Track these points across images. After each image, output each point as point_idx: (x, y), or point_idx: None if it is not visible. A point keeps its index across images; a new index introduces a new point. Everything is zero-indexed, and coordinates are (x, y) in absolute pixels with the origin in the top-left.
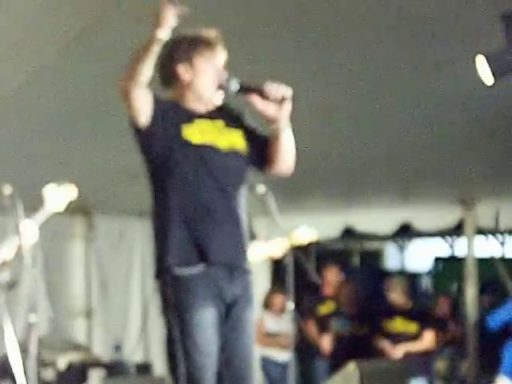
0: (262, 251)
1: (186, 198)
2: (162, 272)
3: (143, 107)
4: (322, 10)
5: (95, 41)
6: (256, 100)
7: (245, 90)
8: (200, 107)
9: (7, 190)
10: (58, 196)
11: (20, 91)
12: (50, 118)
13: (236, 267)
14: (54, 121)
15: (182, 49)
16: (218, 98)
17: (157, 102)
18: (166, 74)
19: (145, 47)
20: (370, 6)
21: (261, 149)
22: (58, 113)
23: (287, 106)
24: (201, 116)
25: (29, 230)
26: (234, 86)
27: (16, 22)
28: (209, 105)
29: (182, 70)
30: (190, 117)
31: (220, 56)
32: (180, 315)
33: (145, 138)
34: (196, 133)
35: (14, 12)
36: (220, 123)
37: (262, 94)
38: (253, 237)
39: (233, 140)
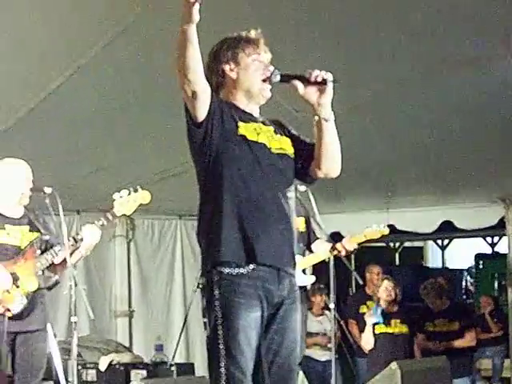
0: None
1: (239, 196)
2: (210, 271)
3: (201, 98)
4: (345, 10)
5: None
6: (298, 85)
7: (287, 77)
8: (251, 105)
9: (47, 189)
10: (128, 200)
11: (57, 94)
12: (89, 119)
13: (284, 269)
14: (93, 122)
15: (225, 49)
16: (266, 92)
17: (215, 96)
18: (215, 77)
19: (180, 35)
20: (394, 7)
21: (307, 154)
22: (96, 114)
23: (329, 92)
24: (253, 120)
25: (91, 233)
26: (276, 77)
27: (52, 22)
28: (260, 100)
29: (228, 69)
30: (245, 117)
31: (263, 52)
32: (225, 315)
33: (202, 131)
34: (250, 130)
35: (52, 12)
36: (270, 128)
37: (304, 80)
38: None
39: (283, 144)
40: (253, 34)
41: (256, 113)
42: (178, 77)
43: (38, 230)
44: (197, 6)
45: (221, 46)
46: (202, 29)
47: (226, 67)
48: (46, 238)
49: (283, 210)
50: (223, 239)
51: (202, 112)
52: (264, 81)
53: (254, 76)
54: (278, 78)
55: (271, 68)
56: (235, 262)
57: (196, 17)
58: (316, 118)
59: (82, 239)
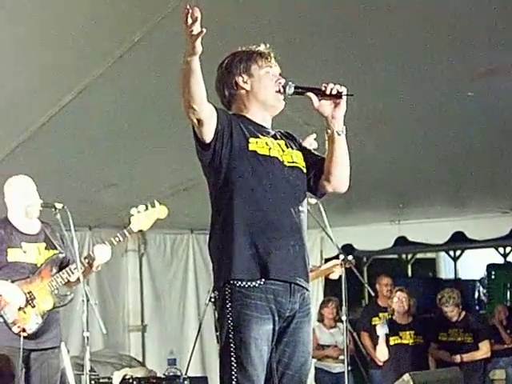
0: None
1: (250, 211)
2: (223, 285)
3: (208, 123)
4: (366, 20)
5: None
6: (313, 97)
7: (301, 90)
8: (265, 117)
9: (58, 205)
10: (145, 216)
11: (68, 110)
12: (99, 135)
13: (296, 282)
14: (104, 138)
15: (237, 61)
16: (280, 103)
17: (223, 114)
18: (227, 90)
19: (185, 66)
20: (414, 16)
21: (317, 167)
22: (107, 129)
23: (343, 105)
24: (265, 134)
25: (102, 252)
26: (290, 87)
27: (59, 39)
28: (273, 111)
29: (242, 81)
30: (256, 131)
31: (274, 65)
32: (237, 328)
33: (210, 152)
34: (261, 146)
35: (58, 29)
36: (282, 142)
37: (318, 92)
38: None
39: (295, 157)
40: (263, 47)
41: (268, 124)
42: (182, 105)
43: (55, 247)
44: (199, 40)
45: (233, 59)
46: (207, 46)
47: (240, 79)
48: (62, 255)
49: (295, 224)
50: (235, 256)
51: (208, 135)
52: (278, 91)
53: (268, 87)
54: (293, 89)
55: (282, 80)
56: (248, 276)
57: (199, 49)
58: (329, 131)
59: (94, 259)
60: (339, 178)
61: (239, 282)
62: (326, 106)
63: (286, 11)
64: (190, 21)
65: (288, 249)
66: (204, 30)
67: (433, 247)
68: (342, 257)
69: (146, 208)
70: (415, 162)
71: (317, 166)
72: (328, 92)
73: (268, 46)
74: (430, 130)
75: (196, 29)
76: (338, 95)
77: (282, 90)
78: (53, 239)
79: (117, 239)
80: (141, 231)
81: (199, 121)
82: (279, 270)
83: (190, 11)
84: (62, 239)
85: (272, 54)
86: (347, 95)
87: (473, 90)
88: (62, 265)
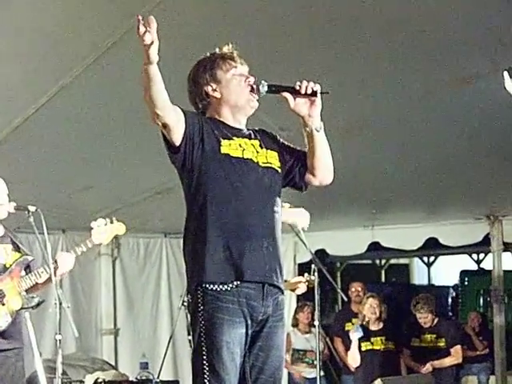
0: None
1: (223, 214)
2: (195, 288)
3: (175, 127)
4: (344, 23)
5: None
6: (288, 97)
7: (274, 89)
8: (239, 119)
9: (32, 208)
10: (105, 230)
11: (42, 113)
12: (73, 139)
13: (269, 286)
14: (78, 141)
15: (202, 71)
16: (253, 103)
17: (192, 117)
18: (199, 101)
19: (143, 74)
20: (398, 22)
21: (299, 162)
22: (81, 133)
23: (318, 103)
24: (239, 135)
25: (66, 261)
26: (263, 86)
27: (36, 40)
28: (247, 111)
29: (210, 90)
30: (229, 133)
31: (240, 65)
32: (209, 331)
33: (180, 155)
34: (235, 148)
35: (36, 30)
36: (256, 143)
37: (293, 92)
38: None
39: (269, 158)
40: (225, 49)
41: (243, 125)
42: (148, 111)
43: (19, 250)
44: (154, 49)
45: (197, 69)
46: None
47: (208, 88)
48: (29, 258)
49: (269, 225)
50: (208, 258)
51: (177, 138)
52: (251, 91)
53: (237, 90)
54: (266, 88)
55: (252, 78)
56: (220, 279)
57: (154, 58)
58: (307, 129)
59: (57, 267)
60: (324, 171)
61: (211, 285)
62: (301, 106)
63: (261, 14)
64: (141, 30)
65: (261, 250)
66: (155, 42)
67: (406, 253)
68: (306, 275)
69: (106, 224)
70: (389, 168)
71: (300, 161)
72: (303, 91)
73: (231, 45)
74: (404, 136)
75: (147, 39)
76: (313, 93)
77: (254, 89)
78: (17, 243)
79: (80, 249)
80: (100, 244)
81: (165, 125)
82: (253, 271)
83: (142, 21)
84: (24, 244)
85: (236, 54)
86: (322, 93)
87: (447, 99)
88: (28, 269)
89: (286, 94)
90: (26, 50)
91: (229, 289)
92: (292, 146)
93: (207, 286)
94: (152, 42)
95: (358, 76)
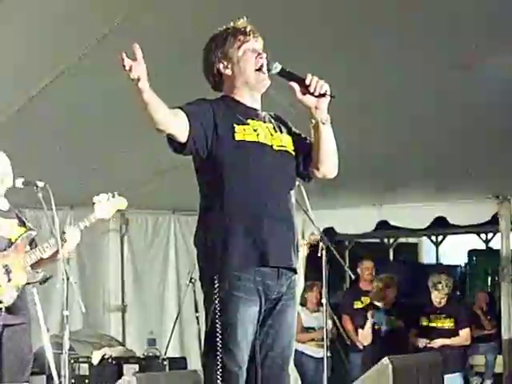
0: None
1: (243, 199)
2: (214, 269)
3: (178, 132)
4: (356, 15)
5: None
6: (296, 89)
7: (286, 74)
8: (254, 96)
9: (40, 183)
10: (108, 205)
11: (49, 91)
12: (82, 117)
13: (285, 267)
14: (86, 119)
15: (214, 48)
16: (263, 82)
17: (199, 115)
18: (212, 78)
19: (138, 97)
20: (390, 12)
21: (306, 152)
22: (88, 111)
23: (326, 101)
24: (254, 118)
25: (72, 236)
26: (276, 67)
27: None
28: (260, 88)
29: (222, 67)
30: (244, 117)
31: (253, 40)
32: (224, 309)
33: (189, 147)
34: (249, 132)
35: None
36: (271, 126)
37: (303, 85)
38: None
39: (284, 141)
40: (240, 23)
41: (258, 104)
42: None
43: (25, 225)
44: (143, 82)
45: (210, 47)
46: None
47: (220, 66)
48: (34, 233)
49: (286, 209)
50: (230, 247)
51: (182, 139)
52: (258, 70)
53: (246, 67)
54: (278, 70)
55: (264, 55)
56: (240, 262)
57: (144, 88)
58: (313, 121)
59: (65, 241)
60: (327, 165)
61: (233, 272)
62: (309, 97)
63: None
64: (127, 67)
65: (280, 235)
66: (141, 76)
67: (414, 232)
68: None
69: (108, 198)
70: (398, 147)
71: (306, 151)
72: (312, 90)
73: (245, 19)
74: (412, 115)
75: (135, 74)
76: (322, 95)
77: (263, 68)
78: (23, 218)
79: (83, 224)
80: (102, 219)
81: (170, 135)
82: (276, 257)
83: (123, 59)
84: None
85: (249, 27)
86: (331, 96)
87: (458, 77)
88: (34, 243)
89: (294, 85)
90: (34, 30)
91: (248, 271)
92: (302, 135)
93: (228, 271)
94: (138, 77)
95: (372, 53)
